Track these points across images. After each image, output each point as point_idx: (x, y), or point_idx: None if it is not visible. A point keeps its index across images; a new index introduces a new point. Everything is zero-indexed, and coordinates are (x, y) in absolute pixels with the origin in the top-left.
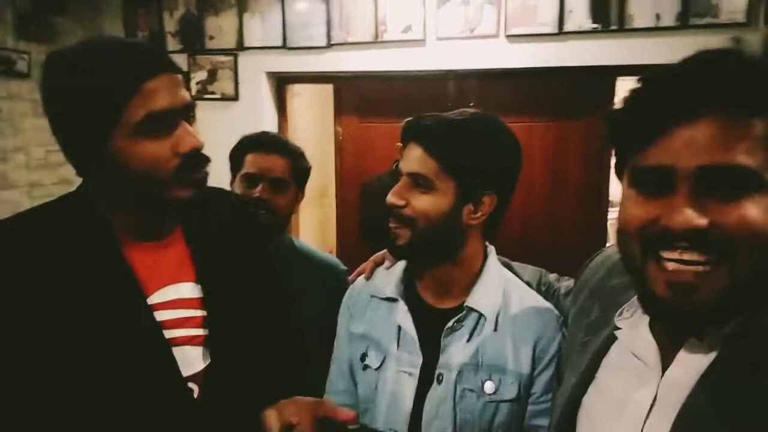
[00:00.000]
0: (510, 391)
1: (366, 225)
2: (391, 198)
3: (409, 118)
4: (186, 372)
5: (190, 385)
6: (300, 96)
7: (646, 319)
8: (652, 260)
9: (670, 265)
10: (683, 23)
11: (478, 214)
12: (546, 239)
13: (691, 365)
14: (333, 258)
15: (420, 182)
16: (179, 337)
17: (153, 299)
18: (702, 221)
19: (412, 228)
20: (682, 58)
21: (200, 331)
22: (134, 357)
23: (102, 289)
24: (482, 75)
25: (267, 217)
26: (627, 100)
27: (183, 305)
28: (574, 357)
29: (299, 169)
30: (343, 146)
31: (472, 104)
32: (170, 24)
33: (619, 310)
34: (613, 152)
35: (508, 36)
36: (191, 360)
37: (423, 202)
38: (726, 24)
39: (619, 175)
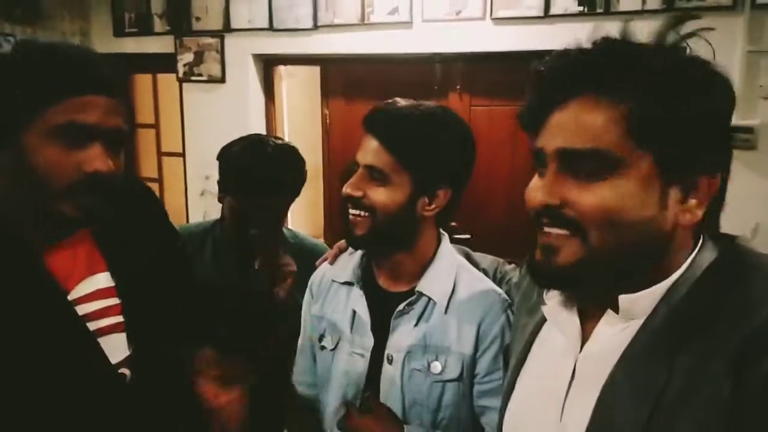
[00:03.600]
0: (454, 371)
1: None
2: (347, 189)
3: (372, 108)
4: (116, 358)
5: (122, 370)
6: (292, 77)
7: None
8: (538, 231)
9: (543, 233)
10: (669, 6)
11: (433, 206)
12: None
13: (607, 340)
14: (323, 245)
15: (376, 176)
16: (104, 327)
17: (74, 294)
18: (553, 200)
19: (372, 218)
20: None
21: (121, 318)
22: (62, 352)
23: (23, 295)
24: (468, 58)
25: (257, 240)
26: (526, 92)
27: (102, 295)
28: (516, 342)
29: (296, 190)
30: (331, 129)
31: (458, 87)
32: (157, 5)
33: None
34: None
35: (494, 19)
36: (118, 346)
37: (380, 195)
38: (713, 7)
39: None
